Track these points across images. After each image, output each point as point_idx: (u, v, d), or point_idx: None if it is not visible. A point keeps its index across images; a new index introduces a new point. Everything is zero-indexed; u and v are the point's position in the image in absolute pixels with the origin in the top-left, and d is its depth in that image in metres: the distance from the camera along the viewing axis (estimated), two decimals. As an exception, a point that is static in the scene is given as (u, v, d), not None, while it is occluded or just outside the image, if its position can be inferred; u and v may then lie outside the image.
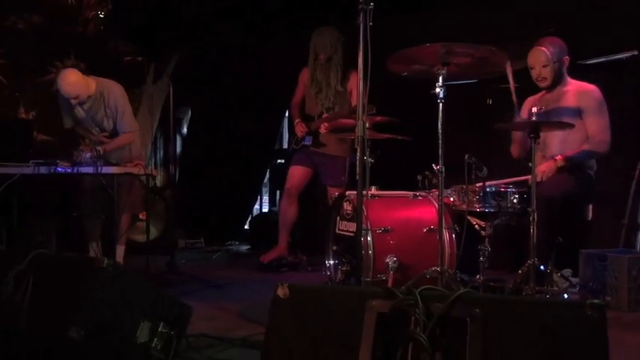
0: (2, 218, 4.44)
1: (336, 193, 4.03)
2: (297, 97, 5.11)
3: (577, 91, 3.69)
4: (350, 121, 4.09)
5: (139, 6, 5.94)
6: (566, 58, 3.70)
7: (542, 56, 3.66)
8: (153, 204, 5.78)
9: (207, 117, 7.04)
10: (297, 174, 5.02)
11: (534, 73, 3.72)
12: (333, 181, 4.85)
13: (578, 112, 3.63)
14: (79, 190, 4.52)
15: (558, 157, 3.56)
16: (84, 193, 4.49)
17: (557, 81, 3.71)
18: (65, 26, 5.59)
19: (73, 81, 4.29)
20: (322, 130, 4.76)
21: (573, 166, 3.59)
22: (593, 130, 3.62)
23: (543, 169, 3.53)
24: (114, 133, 4.49)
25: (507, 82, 3.58)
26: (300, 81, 5.07)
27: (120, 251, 4.46)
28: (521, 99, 3.79)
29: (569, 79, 3.75)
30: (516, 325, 1.58)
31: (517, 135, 3.92)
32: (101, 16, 5.70)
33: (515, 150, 3.95)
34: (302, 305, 1.78)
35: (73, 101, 4.32)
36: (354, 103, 4.70)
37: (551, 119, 3.56)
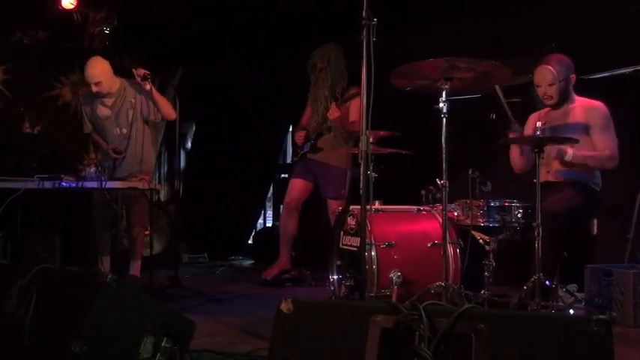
0: (6, 232, 4.45)
1: (338, 207, 4.02)
2: (304, 118, 5.11)
3: (584, 107, 3.68)
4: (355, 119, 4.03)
5: (144, 21, 5.98)
6: (573, 76, 3.68)
7: (548, 75, 3.64)
8: (157, 218, 5.80)
9: (212, 132, 7.06)
10: (296, 187, 5.01)
11: (540, 91, 3.70)
12: (332, 193, 4.83)
13: (585, 129, 3.62)
14: (89, 204, 4.53)
15: (570, 151, 3.48)
16: (93, 207, 4.50)
17: (563, 99, 3.69)
18: (70, 42, 5.64)
19: (98, 66, 4.39)
20: (331, 115, 4.62)
21: (579, 170, 3.57)
22: (602, 147, 3.60)
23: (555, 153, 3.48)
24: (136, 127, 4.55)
25: (508, 95, 3.59)
26: (309, 102, 5.08)
27: (136, 266, 4.49)
28: (522, 113, 3.78)
29: (575, 96, 3.73)
30: (522, 341, 1.57)
31: (514, 149, 3.90)
32: (107, 31, 5.74)
33: (515, 164, 3.92)
34: (306, 320, 1.77)
35: (94, 88, 4.37)
36: (351, 118, 4.68)
37: (557, 135, 3.55)
